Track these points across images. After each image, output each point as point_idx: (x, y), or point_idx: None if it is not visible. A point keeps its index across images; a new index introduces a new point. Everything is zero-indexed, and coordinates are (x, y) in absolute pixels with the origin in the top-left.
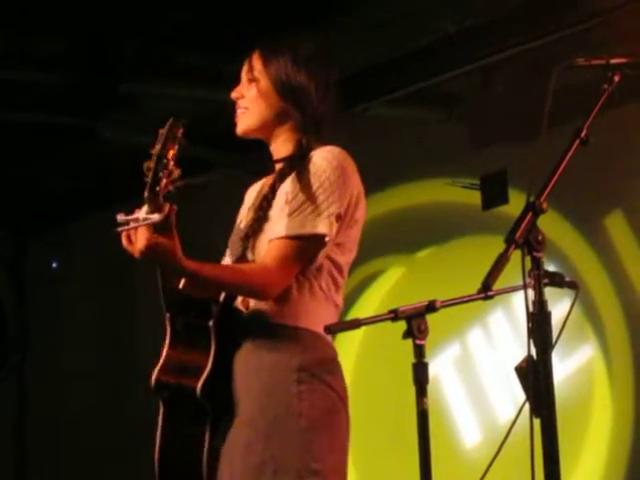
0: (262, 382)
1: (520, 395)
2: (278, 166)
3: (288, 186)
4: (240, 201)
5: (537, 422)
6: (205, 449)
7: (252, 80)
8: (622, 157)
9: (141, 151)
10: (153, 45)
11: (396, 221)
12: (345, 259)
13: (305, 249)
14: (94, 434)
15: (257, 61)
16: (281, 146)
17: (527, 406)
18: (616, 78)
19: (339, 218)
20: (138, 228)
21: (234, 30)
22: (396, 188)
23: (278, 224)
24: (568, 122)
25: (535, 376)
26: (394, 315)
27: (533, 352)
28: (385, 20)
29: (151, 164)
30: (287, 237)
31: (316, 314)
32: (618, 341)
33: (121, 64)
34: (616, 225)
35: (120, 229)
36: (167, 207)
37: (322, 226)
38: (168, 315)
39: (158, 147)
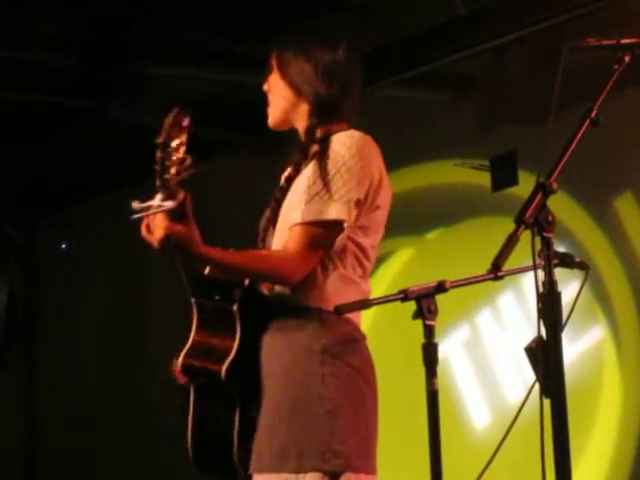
0: (285, 365)
1: (530, 376)
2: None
3: (310, 170)
4: (251, 182)
5: (547, 403)
6: (235, 432)
7: (270, 74)
8: (632, 138)
9: (149, 132)
10: (160, 26)
11: (406, 202)
12: (369, 241)
13: (324, 235)
14: (104, 416)
15: (272, 55)
16: (302, 133)
17: (537, 387)
18: (627, 58)
19: (358, 203)
20: (156, 218)
21: (241, 12)
22: (406, 169)
23: (298, 210)
24: (579, 103)
25: (545, 356)
26: (404, 295)
27: (543, 333)
28: (395, 1)
29: (158, 153)
30: (306, 223)
31: (341, 296)
32: (628, 322)
33: (128, 45)
34: (626, 206)
35: (134, 216)
36: (182, 194)
37: (341, 212)
38: (193, 300)
39: (162, 136)
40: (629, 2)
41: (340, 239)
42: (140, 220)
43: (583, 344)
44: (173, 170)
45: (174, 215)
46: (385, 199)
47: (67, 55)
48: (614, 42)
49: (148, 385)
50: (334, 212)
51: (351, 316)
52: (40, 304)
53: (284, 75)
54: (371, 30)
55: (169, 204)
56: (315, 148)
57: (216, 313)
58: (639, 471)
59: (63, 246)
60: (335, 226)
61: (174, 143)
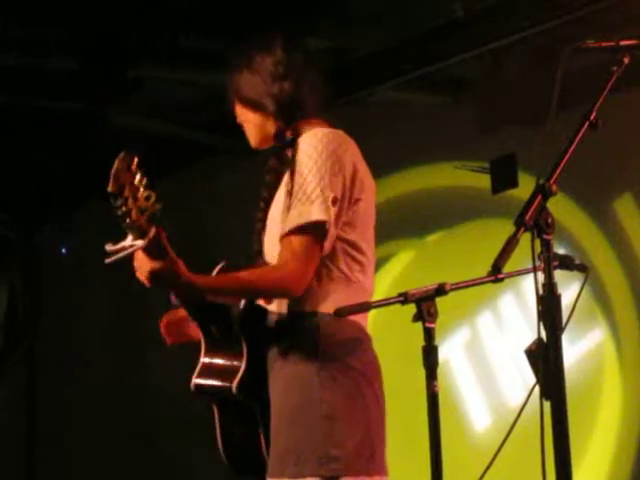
0: (286, 372)
1: (530, 378)
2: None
3: (287, 177)
4: (249, 185)
5: (547, 405)
6: (262, 442)
7: (234, 107)
8: (632, 140)
9: (150, 136)
10: (160, 30)
11: (406, 205)
12: (359, 236)
13: (312, 238)
14: (106, 420)
15: (228, 89)
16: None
17: (537, 389)
18: (626, 60)
19: (335, 201)
20: (138, 258)
21: (240, 14)
22: (405, 172)
23: (284, 220)
24: (579, 105)
25: (545, 359)
26: (404, 298)
27: (543, 335)
28: (394, 3)
29: (112, 201)
30: (291, 232)
31: (336, 297)
32: (628, 324)
33: (129, 49)
34: (626, 208)
35: (108, 260)
36: (152, 231)
37: (319, 212)
38: (197, 324)
39: (111, 185)
40: (627, 4)
41: (329, 239)
42: (114, 263)
43: (583, 346)
44: (134, 212)
45: (152, 252)
46: (364, 190)
47: (68, 60)
48: (613, 44)
49: (151, 390)
50: (312, 214)
51: (354, 317)
52: (41, 308)
53: (241, 100)
54: (370, 33)
55: (139, 243)
56: (289, 154)
57: (221, 334)
58: None
59: (64, 250)
60: (317, 228)
61: (127, 188)
